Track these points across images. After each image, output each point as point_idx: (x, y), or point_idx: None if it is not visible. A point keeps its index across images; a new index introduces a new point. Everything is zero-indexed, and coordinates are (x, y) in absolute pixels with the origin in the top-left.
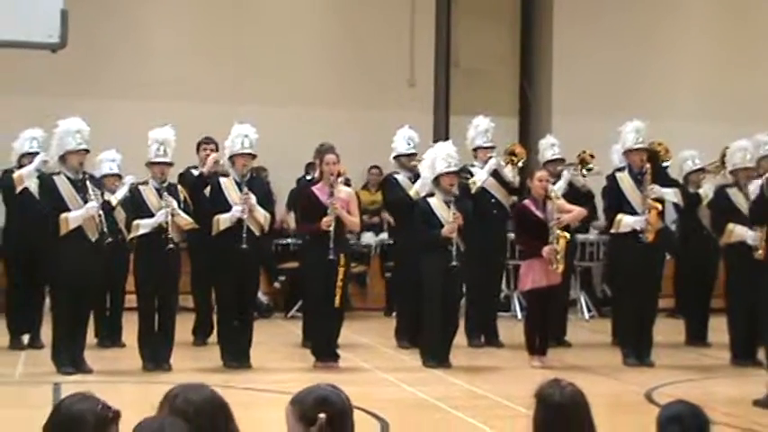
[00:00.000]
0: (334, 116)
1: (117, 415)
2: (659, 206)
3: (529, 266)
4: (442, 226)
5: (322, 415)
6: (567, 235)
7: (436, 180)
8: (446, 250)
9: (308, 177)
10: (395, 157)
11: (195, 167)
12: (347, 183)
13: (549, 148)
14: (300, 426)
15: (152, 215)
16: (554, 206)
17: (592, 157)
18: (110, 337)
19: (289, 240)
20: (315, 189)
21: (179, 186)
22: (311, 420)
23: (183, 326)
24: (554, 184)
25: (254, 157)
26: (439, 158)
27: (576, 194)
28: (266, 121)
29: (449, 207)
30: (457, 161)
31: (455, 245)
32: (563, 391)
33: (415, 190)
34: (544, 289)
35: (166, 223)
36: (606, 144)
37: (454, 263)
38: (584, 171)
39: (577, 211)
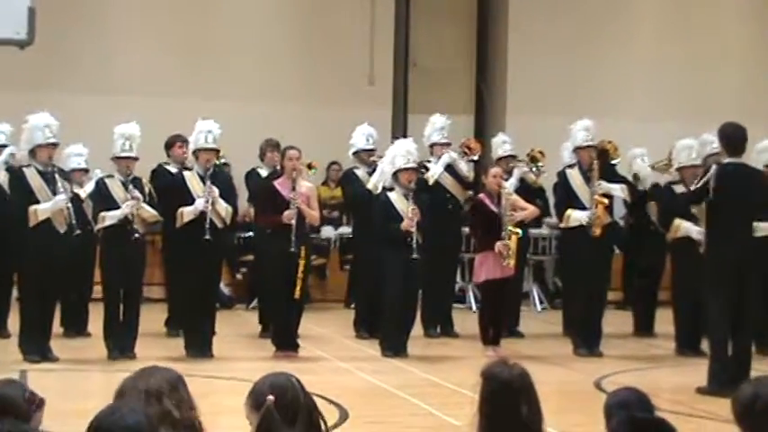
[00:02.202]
0: (295, 112)
1: (42, 402)
2: (606, 201)
3: (483, 259)
4: (402, 220)
5: (270, 397)
6: (519, 231)
7: (395, 175)
8: (406, 243)
9: (261, 171)
10: (354, 153)
11: (167, 164)
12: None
13: (501, 145)
14: (254, 414)
15: (118, 207)
16: (507, 202)
17: (541, 154)
18: (76, 326)
19: (251, 233)
20: (276, 183)
21: (143, 180)
22: (261, 405)
23: (153, 316)
24: (506, 180)
25: (217, 152)
26: (398, 155)
27: (527, 190)
28: (229, 116)
29: (408, 201)
30: (416, 157)
31: (414, 238)
32: (510, 370)
33: (373, 183)
34: (498, 281)
35: (132, 215)
36: (559, 141)
37: (415, 255)
38: (534, 168)
39: (530, 210)
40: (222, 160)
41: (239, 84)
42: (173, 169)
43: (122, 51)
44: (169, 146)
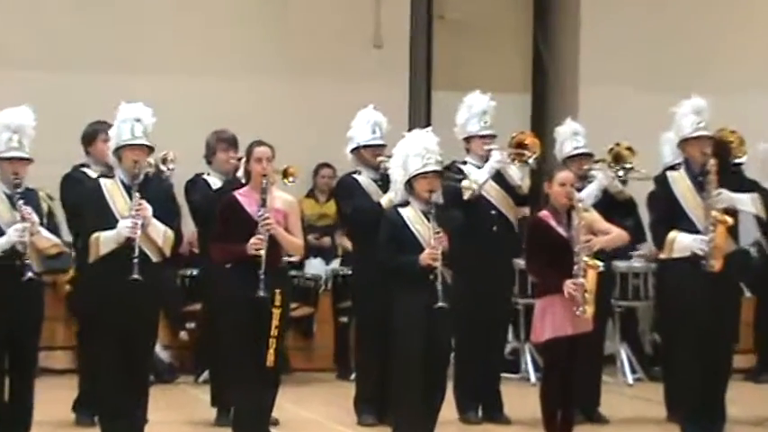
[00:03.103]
0: (266, 91)
1: None
2: (729, 220)
3: (546, 307)
4: (420, 249)
5: None
6: (600, 264)
7: (409, 184)
8: (428, 285)
9: (209, 178)
10: (354, 151)
11: (86, 166)
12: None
13: (570, 137)
14: None
15: (1, 234)
16: (581, 223)
17: (630, 151)
18: None
19: (200, 271)
20: (239, 195)
21: (41, 192)
22: None
23: (56, 395)
24: (579, 190)
25: (150, 150)
26: (412, 154)
27: (610, 204)
28: (168, 97)
29: (429, 221)
30: (438, 157)
31: (440, 277)
32: None
33: (388, 198)
34: (568, 339)
35: (22, 245)
36: (657, 131)
37: (440, 303)
38: (620, 171)
39: (616, 234)
40: (168, 167)
41: (185, 50)
42: (94, 174)
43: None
44: (89, 139)
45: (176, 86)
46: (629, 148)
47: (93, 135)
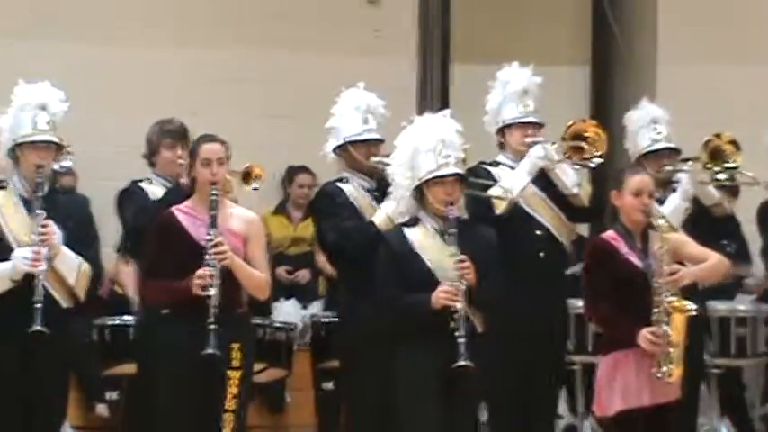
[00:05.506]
0: (221, 68)
1: None
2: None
3: (615, 368)
4: (436, 284)
5: None
6: (692, 307)
7: (419, 193)
8: (445, 336)
9: (149, 187)
10: (338, 149)
11: None
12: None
13: (647, 128)
14: None
15: None
16: (663, 248)
17: (733, 146)
18: None
19: (127, 319)
20: (178, 212)
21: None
22: None
23: None
24: (661, 201)
25: (59, 148)
26: (423, 149)
27: (705, 221)
28: (87, 73)
29: (447, 244)
30: (459, 153)
31: (462, 324)
32: None
33: (385, 215)
34: (646, 413)
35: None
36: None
37: (462, 362)
38: (718, 175)
39: (712, 264)
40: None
41: (101, 12)
42: None
43: None
44: None
45: (98, 59)
46: (731, 142)
47: None
